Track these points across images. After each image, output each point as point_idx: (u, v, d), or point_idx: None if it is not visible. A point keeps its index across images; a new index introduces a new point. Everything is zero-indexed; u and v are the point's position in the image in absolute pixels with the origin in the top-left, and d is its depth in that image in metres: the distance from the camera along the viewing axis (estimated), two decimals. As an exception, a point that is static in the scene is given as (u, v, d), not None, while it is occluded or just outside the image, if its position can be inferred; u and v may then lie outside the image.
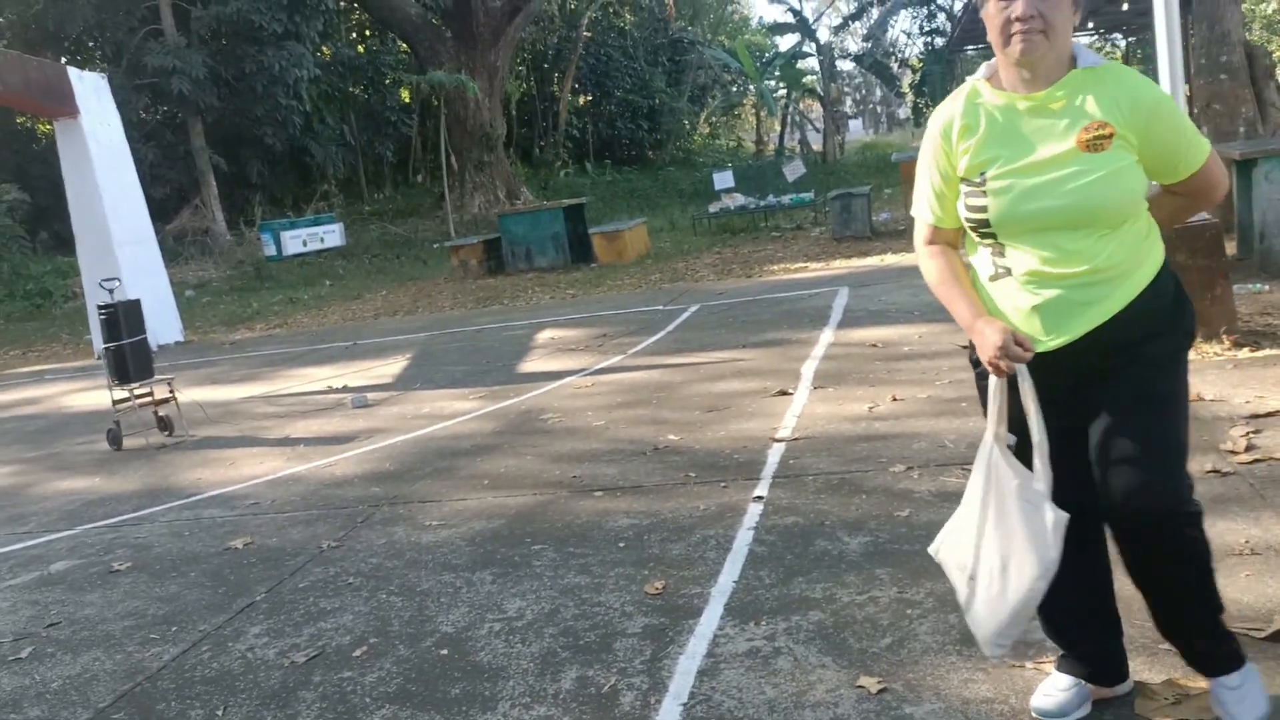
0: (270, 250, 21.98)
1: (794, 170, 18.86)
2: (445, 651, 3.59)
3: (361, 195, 29.93)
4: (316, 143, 27.03)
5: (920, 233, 2.66)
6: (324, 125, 27.40)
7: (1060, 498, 2.45)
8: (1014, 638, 2.56)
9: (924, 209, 2.62)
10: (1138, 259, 2.42)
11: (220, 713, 3.34)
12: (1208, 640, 2.55)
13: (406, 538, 4.82)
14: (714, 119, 43.71)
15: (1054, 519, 2.42)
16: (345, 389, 8.91)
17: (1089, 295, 2.39)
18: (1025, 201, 2.40)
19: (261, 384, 9.91)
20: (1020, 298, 2.46)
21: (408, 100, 31.02)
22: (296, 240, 21.85)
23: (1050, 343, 2.43)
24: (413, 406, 7.83)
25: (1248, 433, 4.58)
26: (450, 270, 17.60)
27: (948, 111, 2.54)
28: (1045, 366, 2.44)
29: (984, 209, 2.45)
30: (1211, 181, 2.47)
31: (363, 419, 7.62)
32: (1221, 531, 3.66)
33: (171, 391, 7.82)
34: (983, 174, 2.45)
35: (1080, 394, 2.48)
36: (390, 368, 9.79)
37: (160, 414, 7.77)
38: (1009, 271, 2.47)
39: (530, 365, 8.96)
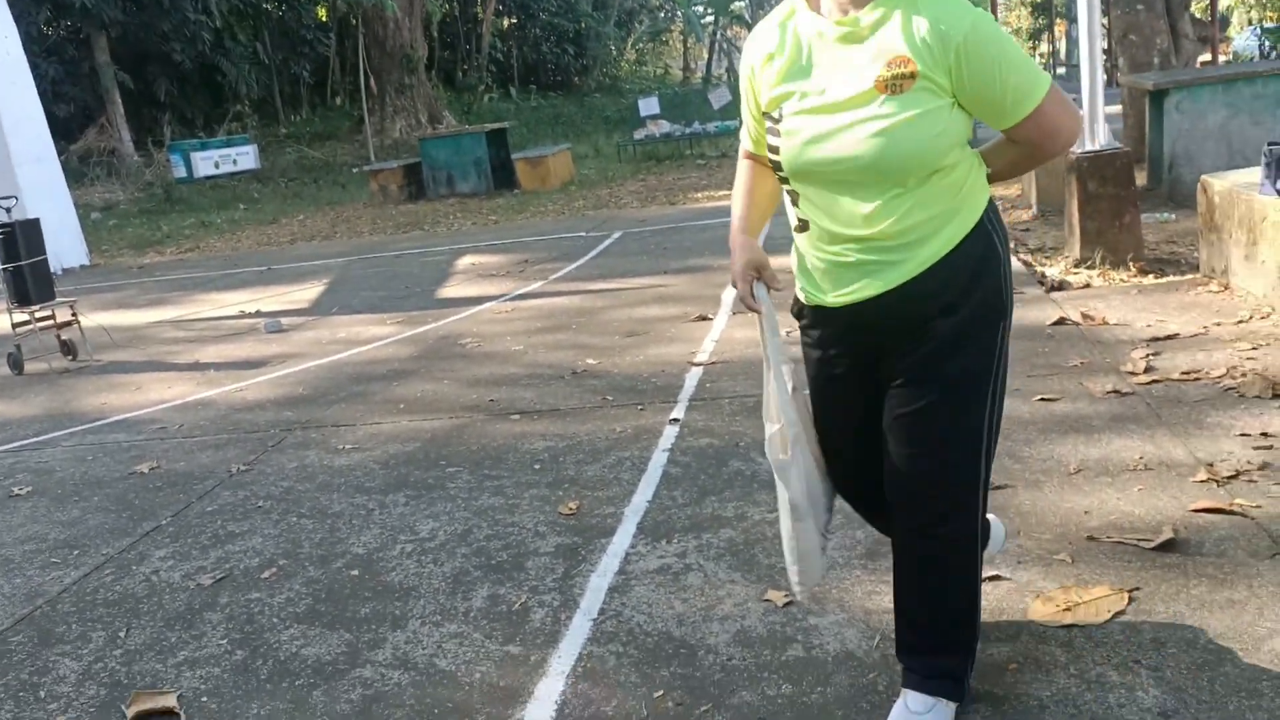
0: (180, 172, 21.24)
1: (720, 97, 18.73)
2: (356, 572, 3.56)
3: (277, 117, 28.99)
4: (228, 60, 26.02)
5: (740, 149, 2.45)
6: (236, 43, 26.35)
7: (871, 471, 2.33)
8: (801, 578, 2.46)
9: (744, 133, 2.40)
10: (943, 219, 2.11)
11: (123, 634, 3.28)
12: (937, 656, 2.35)
13: (319, 461, 4.75)
14: (641, 45, 43.10)
15: (783, 459, 2.31)
16: (259, 314, 8.71)
17: (880, 258, 2.13)
18: (813, 148, 2.10)
19: (171, 308, 9.64)
20: (811, 255, 2.24)
21: (324, 19, 29.97)
22: (208, 162, 21.15)
23: (832, 300, 2.21)
24: (328, 331, 7.69)
25: (1147, 355, 4.71)
26: (370, 195, 17.23)
27: (758, 36, 2.22)
28: (837, 324, 2.26)
29: (778, 150, 2.17)
30: (1050, 127, 2.10)
31: (276, 344, 7.46)
32: (1118, 449, 3.77)
33: (74, 314, 7.56)
34: (780, 110, 2.15)
35: (881, 365, 2.25)
36: (306, 293, 9.58)
37: (63, 337, 7.52)
38: (805, 225, 2.23)
39: (450, 291, 8.84)
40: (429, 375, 6.05)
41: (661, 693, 2.65)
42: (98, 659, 3.16)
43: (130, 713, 2.81)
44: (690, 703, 2.60)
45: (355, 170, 21.02)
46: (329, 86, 30.62)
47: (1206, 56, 13.37)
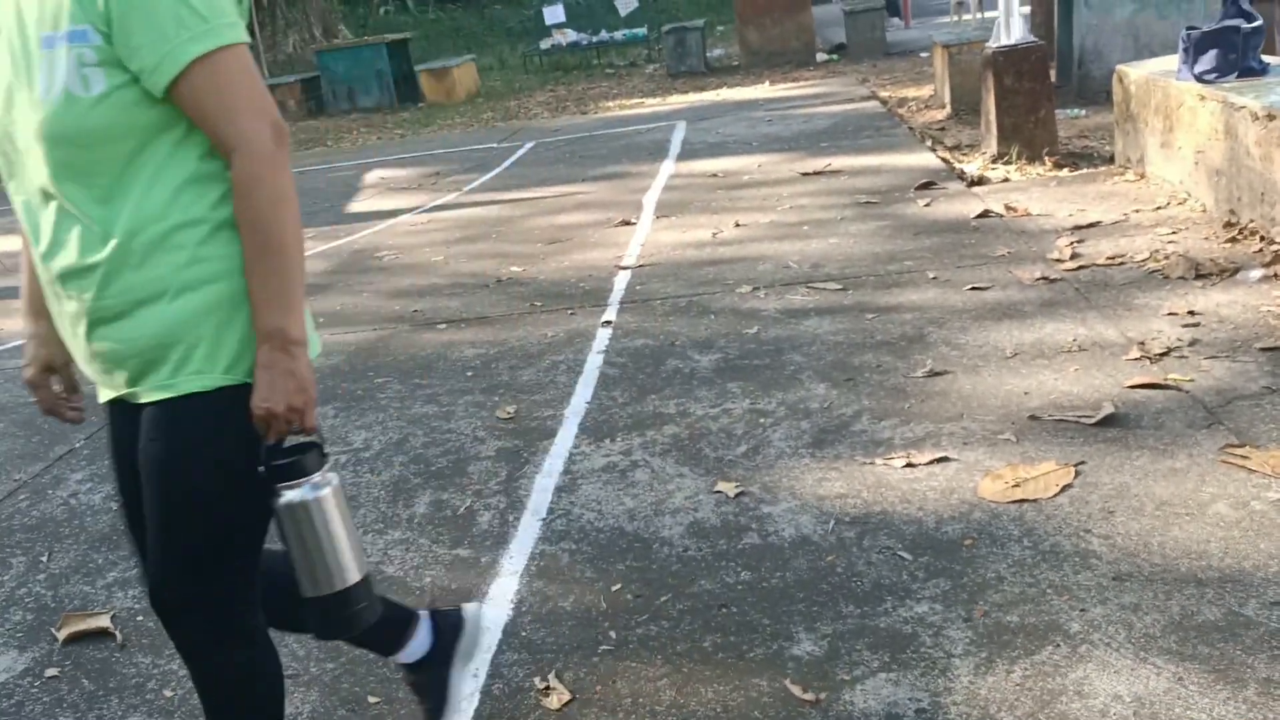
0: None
1: (626, 4, 18.30)
2: (289, 485, 3.43)
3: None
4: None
5: None
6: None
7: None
8: None
9: None
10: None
11: (45, 559, 3.12)
12: None
13: (239, 378, 4.56)
14: (540, -46, 41.93)
15: None
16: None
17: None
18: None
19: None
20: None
21: (206, -73, 28.43)
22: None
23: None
24: (235, 249, 7.37)
25: (1072, 243, 4.76)
26: (266, 112, 16.52)
27: None
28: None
29: None
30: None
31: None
32: (1052, 332, 3.81)
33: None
34: None
35: None
36: (207, 212, 9.17)
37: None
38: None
39: (360, 205, 8.55)
40: (346, 289, 5.85)
41: (619, 586, 2.62)
42: (21, 584, 3.00)
43: (62, 635, 2.68)
44: (649, 594, 2.57)
45: (249, 87, 20.10)
46: None
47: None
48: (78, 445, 4.01)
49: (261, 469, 1.56)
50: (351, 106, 15.84)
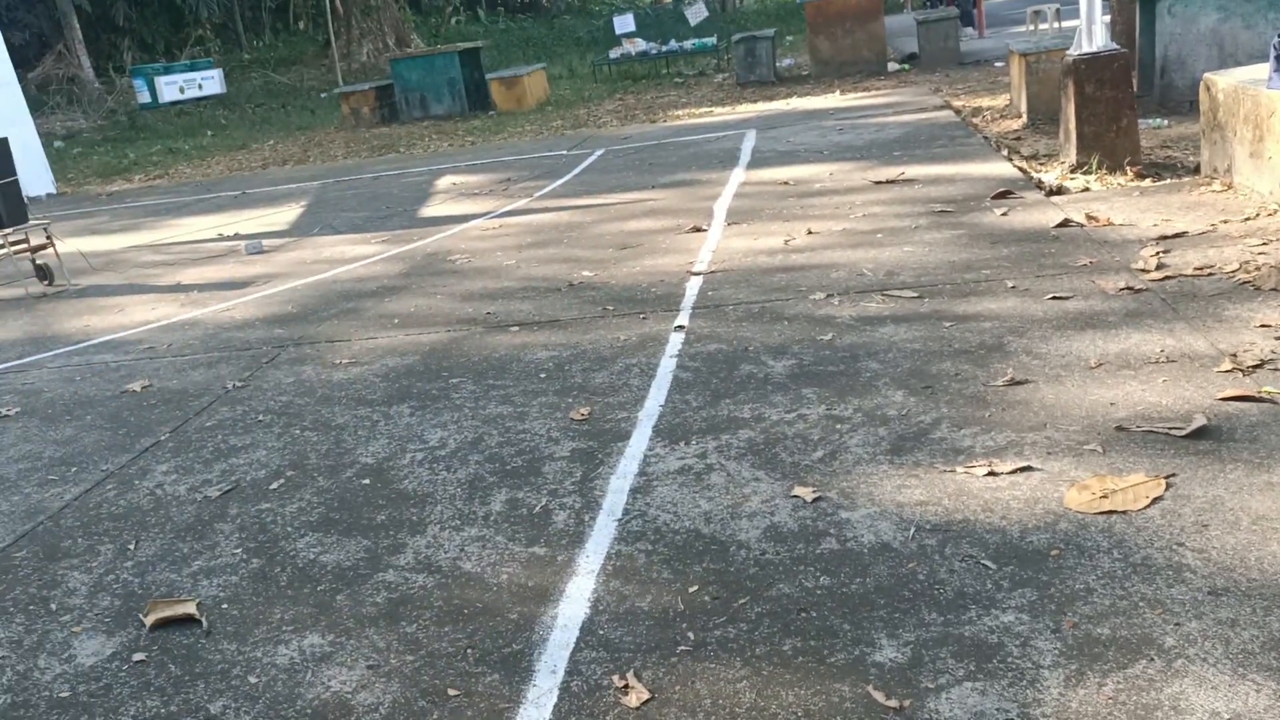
0: (145, 97, 20.65)
1: (696, 14, 18.33)
2: (367, 481, 3.48)
3: (239, 42, 28.24)
4: (187, -16, 25.24)
5: None
6: (194, -35, 25.54)
7: None
8: None
9: None
10: None
11: (133, 547, 3.19)
12: None
13: (316, 376, 4.64)
14: (610, -35, 42.11)
15: None
16: (237, 236, 8.50)
17: None
18: None
19: (145, 233, 9.39)
20: None
21: (285, -61, 29.07)
22: (173, 87, 20.55)
23: None
24: (311, 252, 7.51)
25: (1157, 253, 4.65)
26: (341, 119, 16.82)
27: None
28: None
29: None
30: None
31: (259, 264, 7.29)
32: (1138, 343, 3.72)
33: (49, 237, 7.33)
34: None
35: None
36: (284, 215, 9.36)
37: (38, 262, 7.30)
38: None
39: (433, 210, 8.65)
40: (420, 291, 5.92)
41: (696, 587, 2.60)
42: (108, 571, 3.07)
43: (149, 621, 2.74)
44: (727, 596, 2.55)
45: (324, 95, 20.52)
46: (291, 10, 29.80)
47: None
48: (163, 438, 4.10)
49: None
50: (424, 114, 16.05)
